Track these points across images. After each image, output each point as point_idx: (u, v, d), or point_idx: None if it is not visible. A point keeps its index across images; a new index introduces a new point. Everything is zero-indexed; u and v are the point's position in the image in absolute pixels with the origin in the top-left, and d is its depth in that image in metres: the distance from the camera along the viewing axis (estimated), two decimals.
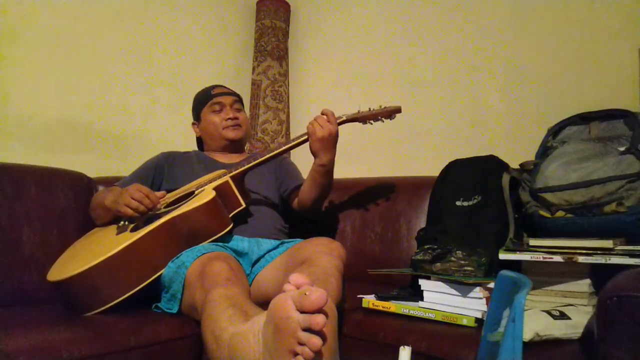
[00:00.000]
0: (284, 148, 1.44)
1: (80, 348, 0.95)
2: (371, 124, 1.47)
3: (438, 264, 1.13)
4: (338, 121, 1.42)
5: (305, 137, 1.42)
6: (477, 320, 1.03)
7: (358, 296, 1.22)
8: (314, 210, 1.55)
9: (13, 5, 1.65)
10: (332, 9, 2.29)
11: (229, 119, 1.59)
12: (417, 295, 1.13)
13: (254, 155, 1.51)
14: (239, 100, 1.67)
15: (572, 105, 1.47)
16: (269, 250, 1.37)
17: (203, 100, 1.64)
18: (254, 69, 2.31)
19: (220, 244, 1.30)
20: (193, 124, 1.70)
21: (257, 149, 2.19)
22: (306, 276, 0.80)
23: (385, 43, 2.08)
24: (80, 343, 0.96)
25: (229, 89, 1.69)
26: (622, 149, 1.18)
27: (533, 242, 1.11)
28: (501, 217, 1.28)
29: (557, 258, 1.04)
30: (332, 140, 1.38)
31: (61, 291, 1.18)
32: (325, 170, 1.42)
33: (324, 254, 1.16)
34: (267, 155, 1.44)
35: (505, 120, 1.73)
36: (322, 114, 1.41)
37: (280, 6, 2.34)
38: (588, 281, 1.07)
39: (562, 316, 0.96)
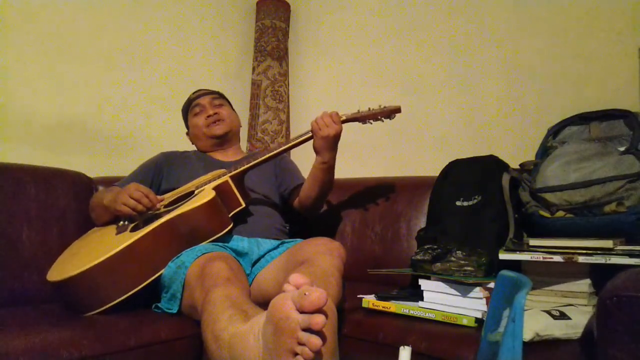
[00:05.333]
0: (285, 147, 1.44)
1: (80, 348, 0.95)
2: (371, 123, 1.47)
3: (438, 264, 1.13)
4: None
5: (308, 135, 1.42)
6: (477, 320, 1.03)
7: (358, 296, 1.22)
8: (314, 209, 1.55)
9: (13, 5, 1.65)
10: (332, 9, 2.28)
11: (209, 116, 1.60)
12: (417, 295, 1.13)
13: (253, 154, 1.51)
14: (219, 96, 1.69)
15: (572, 105, 1.48)
16: (269, 250, 1.37)
17: (186, 108, 1.70)
18: (254, 69, 2.31)
19: (220, 244, 1.30)
20: (187, 134, 1.73)
21: (257, 148, 2.19)
22: (306, 276, 0.80)
23: (385, 43, 2.08)
24: (80, 343, 0.96)
25: (207, 89, 1.71)
26: (622, 149, 1.18)
27: (533, 242, 1.11)
28: (501, 217, 1.28)
29: (557, 258, 1.04)
30: (335, 139, 1.41)
31: (61, 291, 1.18)
32: (327, 167, 1.43)
33: (324, 254, 1.16)
34: (267, 155, 1.44)
35: (505, 120, 1.73)
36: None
37: (280, 6, 2.34)
38: (588, 281, 1.07)
39: (562, 316, 0.96)
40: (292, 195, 1.58)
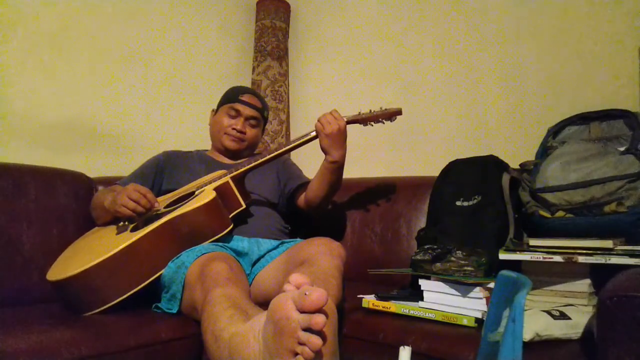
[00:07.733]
0: (286, 148, 1.44)
1: (80, 348, 0.95)
2: (371, 125, 1.47)
3: (438, 264, 1.13)
4: None
5: (311, 135, 1.42)
6: (477, 320, 1.03)
7: (358, 296, 1.22)
8: (321, 208, 1.55)
9: (12, 5, 1.65)
10: (332, 9, 2.29)
11: (235, 129, 1.56)
12: (417, 295, 1.13)
13: (254, 155, 1.51)
14: (259, 118, 1.60)
15: (572, 105, 1.48)
16: (269, 250, 1.37)
17: (228, 98, 1.60)
18: (254, 69, 2.31)
19: (220, 244, 1.30)
20: (212, 110, 1.66)
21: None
22: (306, 276, 0.80)
23: (385, 43, 2.08)
24: (80, 343, 0.96)
25: (257, 101, 1.60)
26: (622, 149, 1.18)
27: (533, 242, 1.11)
28: (501, 217, 1.28)
29: (557, 258, 1.04)
30: (341, 136, 1.39)
31: (61, 291, 1.18)
32: (337, 166, 1.42)
33: (324, 254, 1.16)
34: (268, 156, 1.44)
35: (505, 120, 1.73)
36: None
37: (280, 6, 2.34)
38: (588, 281, 1.07)
39: (562, 316, 0.96)
40: (297, 195, 1.58)
